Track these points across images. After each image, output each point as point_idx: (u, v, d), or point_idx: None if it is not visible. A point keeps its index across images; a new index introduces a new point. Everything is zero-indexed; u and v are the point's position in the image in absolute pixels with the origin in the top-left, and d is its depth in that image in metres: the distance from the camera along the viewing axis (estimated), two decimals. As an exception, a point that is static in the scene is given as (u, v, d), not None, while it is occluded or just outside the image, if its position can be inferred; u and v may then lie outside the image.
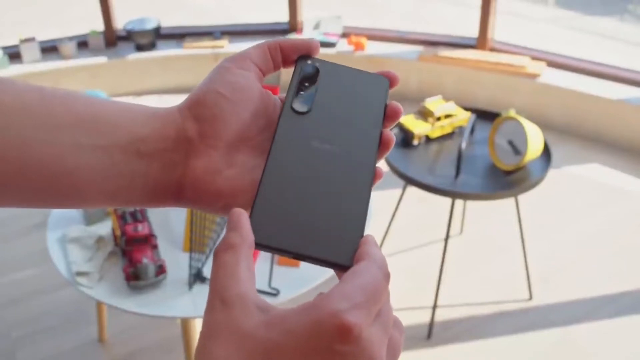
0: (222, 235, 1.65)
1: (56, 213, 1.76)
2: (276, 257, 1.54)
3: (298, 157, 0.38)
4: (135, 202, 0.40)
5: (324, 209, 0.37)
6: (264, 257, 1.56)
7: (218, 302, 0.31)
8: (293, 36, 3.74)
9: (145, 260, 1.46)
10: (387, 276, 0.32)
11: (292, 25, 3.89)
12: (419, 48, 3.69)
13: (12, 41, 3.80)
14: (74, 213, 1.75)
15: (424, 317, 2.13)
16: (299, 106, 0.40)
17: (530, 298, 2.20)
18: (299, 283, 1.49)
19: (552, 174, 2.90)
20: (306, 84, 0.42)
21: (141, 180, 0.38)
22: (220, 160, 0.39)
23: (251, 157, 0.40)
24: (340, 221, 0.37)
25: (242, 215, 0.34)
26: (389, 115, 0.42)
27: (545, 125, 3.34)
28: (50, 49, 3.77)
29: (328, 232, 0.36)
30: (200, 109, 0.39)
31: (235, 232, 0.33)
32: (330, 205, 0.37)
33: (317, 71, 0.43)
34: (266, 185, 0.37)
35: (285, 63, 0.43)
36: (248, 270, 0.32)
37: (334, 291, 0.30)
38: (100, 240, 1.62)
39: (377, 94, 0.44)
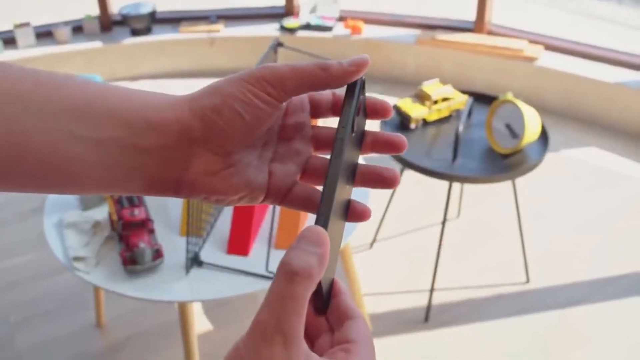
0: (218, 219, 1.64)
1: (53, 198, 1.75)
2: (273, 240, 1.54)
3: (341, 189, 0.37)
4: (132, 192, 0.40)
5: (333, 245, 0.36)
6: (262, 239, 1.56)
7: (280, 339, 0.31)
8: (290, 20, 3.71)
9: (142, 245, 1.45)
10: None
11: (289, 9, 3.87)
12: (416, 31, 3.67)
13: (7, 26, 3.77)
14: (71, 198, 1.75)
15: (422, 300, 2.13)
16: (355, 131, 0.38)
17: (528, 281, 2.21)
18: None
19: (549, 157, 2.90)
20: (357, 106, 0.39)
21: (138, 174, 0.38)
22: (219, 163, 0.39)
23: (245, 154, 0.40)
24: (332, 263, 0.36)
25: (327, 244, 0.33)
26: (377, 111, 0.42)
27: (542, 108, 3.33)
28: (45, 34, 3.74)
29: (329, 271, 0.36)
30: (214, 116, 0.38)
31: (318, 261, 0.32)
32: (334, 243, 0.36)
33: (364, 96, 0.40)
34: (329, 218, 0.34)
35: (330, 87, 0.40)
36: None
37: (361, 355, 0.34)
38: (97, 225, 1.62)
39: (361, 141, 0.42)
